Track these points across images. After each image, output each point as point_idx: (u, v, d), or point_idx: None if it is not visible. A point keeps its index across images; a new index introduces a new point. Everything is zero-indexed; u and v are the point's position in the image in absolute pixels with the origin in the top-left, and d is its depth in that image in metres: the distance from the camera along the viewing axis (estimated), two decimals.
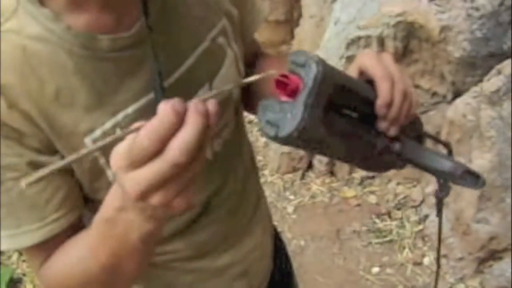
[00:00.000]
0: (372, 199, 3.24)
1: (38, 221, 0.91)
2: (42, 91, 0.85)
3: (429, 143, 2.19)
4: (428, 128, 2.80)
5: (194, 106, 0.60)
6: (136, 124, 0.62)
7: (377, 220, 3.12)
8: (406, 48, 2.81)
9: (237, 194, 1.17)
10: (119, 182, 0.65)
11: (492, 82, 2.42)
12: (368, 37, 2.87)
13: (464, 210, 2.59)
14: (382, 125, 0.93)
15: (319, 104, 0.81)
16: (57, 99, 0.86)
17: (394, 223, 3.09)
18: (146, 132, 0.59)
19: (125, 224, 0.73)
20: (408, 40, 2.78)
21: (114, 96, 0.90)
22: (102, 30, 0.88)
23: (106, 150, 0.91)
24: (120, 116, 0.91)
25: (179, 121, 0.59)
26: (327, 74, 0.81)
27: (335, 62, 3.10)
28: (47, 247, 0.93)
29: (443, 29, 2.57)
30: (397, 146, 0.97)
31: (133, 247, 0.76)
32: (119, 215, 0.73)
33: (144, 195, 0.63)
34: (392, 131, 0.94)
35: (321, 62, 0.80)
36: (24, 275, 3.13)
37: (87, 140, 0.89)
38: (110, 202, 0.74)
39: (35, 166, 0.88)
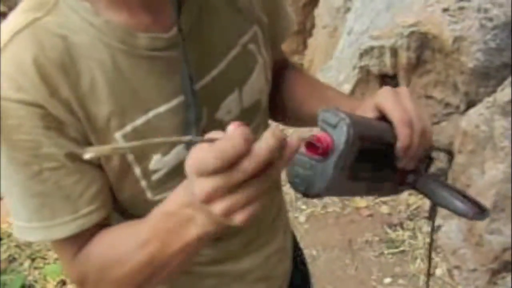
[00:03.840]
0: (384, 209, 3.23)
1: (72, 213, 0.92)
2: (79, 83, 0.87)
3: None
4: (441, 138, 2.80)
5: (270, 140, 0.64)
6: (210, 135, 0.65)
7: (389, 231, 3.11)
8: (419, 59, 2.81)
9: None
10: (190, 183, 0.68)
11: (506, 93, 2.42)
12: (382, 47, 2.88)
13: (477, 221, 2.58)
14: (400, 163, 0.95)
15: (348, 163, 0.85)
16: (92, 91, 0.88)
17: (407, 233, 3.08)
18: (216, 153, 0.62)
19: (186, 218, 0.75)
20: (422, 51, 2.78)
21: (147, 94, 0.92)
22: (139, 28, 0.90)
23: (134, 147, 0.93)
24: (151, 114, 0.92)
25: (248, 150, 0.63)
26: (356, 134, 0.83)
27: (348, 72, 3.10)
28: (78, 241, 0.94)
29: (457, 39, 2.57)
30: (411, 177, 1.00)
31: (187, 242, 0.78)
32: (182, 210, 0.75)
33: (209, 198, 0.65)
34: (410, 166, 0.97)
35: (352, 124, 0.83)
36: (35, 281, 3.14)
37: (118, 135, 0.91)
38: (177, 197, 0.77)
39: (73, 158, 0.89)
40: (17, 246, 3.36)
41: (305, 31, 4.08)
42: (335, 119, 0.83)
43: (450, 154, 1.04)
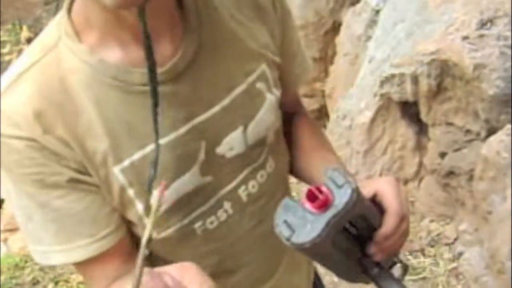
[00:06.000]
0: None
1: (88, 237, 0.95)
2: (77, 121, 0.90)
3: None
4: (462, 165, 2.80)
5: None
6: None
7: (410, 257, 3.10)
8: (440, 86, 2.82)
9: (268, 237, 1.14)
10: None
11: None
12: (402, 75, 2.89)
13: (499, 248, 2.57)
14: (372, 249, 0.98)
15: (338, 226, 0.86)
16: (89, 129, 0.91)
17: (428, 260, 3.06)
18: None
19: None
20: (442, 78, 2.79)
21: (143, 128, 0.93)
22: (135, 63, 0.92)
23: (133, 181, 0.95)
24: (148, 149, 0.94)
25: None
26: (357, 203, 0.85)
27: (369, 99, 3.12)
28: (100, 263, 0.98)
29: (477, 67, 2.58)
30: (375, 270, 1.01)
31: None
32: None
33: None
34: (378, 257, 0.99)
35: (356, 191, 0.85)
36: None
37: (116, 170, 0.94)
38: None
39: (76, 182, 0.92)
40: (41, 269, 3.40)
41: (327, 58, 4.10)
42: (342, 180, 0.85)
43: (405, 267, 1.06)
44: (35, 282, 3.34)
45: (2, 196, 0.97)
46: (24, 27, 7.16)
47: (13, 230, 3.87)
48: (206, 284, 0.69)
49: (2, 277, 3.39)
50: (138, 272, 0.63)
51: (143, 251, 0.65)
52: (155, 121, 0.88)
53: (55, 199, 0.92)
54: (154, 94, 0.88)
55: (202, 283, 0.69)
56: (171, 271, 0.68)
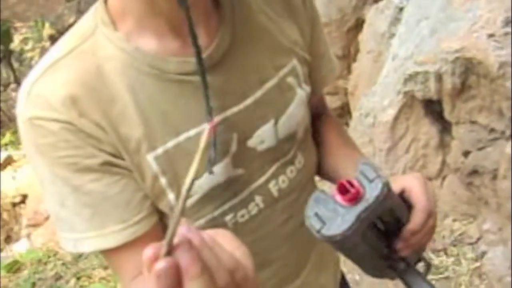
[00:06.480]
0: None
1: (121, 222, 0.95)
2: (112, 108, 0.92)
3: None
4: (486, 164, 2.78)
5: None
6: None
7: (433, 256, 3.08)
8: (464, 84, 2.80)
9: (297, 234, 1.17)
10: None
11: None
12: (426, 72, 2.87)
13: None
14: (399, 244, 0.99)
15: (368, 220, 0.87)
16: (123, 115, 0.92)
17: (450, 259, 3.04)
18: None
19: None
20: (466, 76, 2.77)
21: (177, 117, 0.95)
22: (170, 52, 0.94)
23: (166, 170, 0.95)
24: (182, 137, 0.96)
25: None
26: (387, 197, 0.87)
27: (393, 97, 3.10)
28: (131, 249, 0.96)
29: (502, 65, 2.55)
30: (402, 266, 1.02)
31: None
32: None
33: None
34: (404, 253, 1.00)
35: (386, 185, 0.86)
36: None
37: (149, 157, 0.95)
38: None
39: (110, 165, 0.93)
40: (64, 264, 3.43)
41: (350, 56, 4.09)
42: (373, 174, 0.87)
43: (428, 266, 1.09)
44: (57, 277, 3.36)
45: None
46: (47, 24, 7.23)
47: (36, 225, 3.91)
48: (240, 249, 0.69)
49: (25, 272, 3.42)
50: (176, 219, 0.56)
51: (185, 195, 0.57)
52: (207, 103, 0.90)
53: (89, 183, 0.93)
54: (203, 77, 0.89)
55: (236, 248, 0.68)
56: (207, 232, 0.66)
